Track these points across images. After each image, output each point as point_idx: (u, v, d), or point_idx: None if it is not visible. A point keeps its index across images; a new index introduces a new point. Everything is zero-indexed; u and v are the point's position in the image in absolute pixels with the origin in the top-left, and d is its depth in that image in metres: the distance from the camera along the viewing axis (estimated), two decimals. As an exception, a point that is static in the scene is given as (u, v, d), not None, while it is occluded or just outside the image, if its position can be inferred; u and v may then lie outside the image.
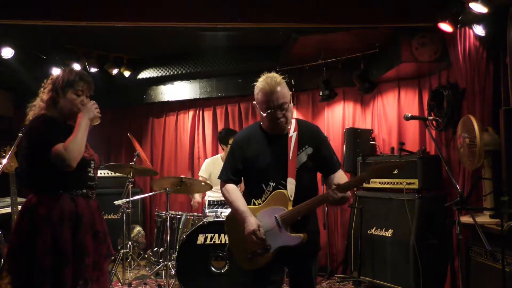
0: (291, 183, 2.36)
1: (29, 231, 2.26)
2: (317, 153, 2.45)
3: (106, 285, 2.50)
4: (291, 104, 2.43)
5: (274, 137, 2.44)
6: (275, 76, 2.39)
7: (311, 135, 2.48)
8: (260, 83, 2.39)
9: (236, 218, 2.44)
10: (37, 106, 2.48)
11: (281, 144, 2.42)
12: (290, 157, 2.39)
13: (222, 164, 4.87)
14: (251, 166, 2.44)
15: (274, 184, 2.39)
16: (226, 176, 2.51)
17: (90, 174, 2.47)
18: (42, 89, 2.54)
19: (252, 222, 2.33)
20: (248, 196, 2.48)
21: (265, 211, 2.39)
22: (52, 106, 2.44)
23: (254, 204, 2.44)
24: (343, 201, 2.31)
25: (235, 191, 2.48)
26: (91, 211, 2.41)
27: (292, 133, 2.44)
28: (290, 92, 2.44)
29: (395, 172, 4.19)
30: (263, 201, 2.41)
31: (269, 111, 2.35)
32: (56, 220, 2.27)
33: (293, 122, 2.48)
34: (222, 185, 2.54)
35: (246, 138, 2.51)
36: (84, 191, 2.41)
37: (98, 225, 2.44)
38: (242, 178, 2.57)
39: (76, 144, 2.30)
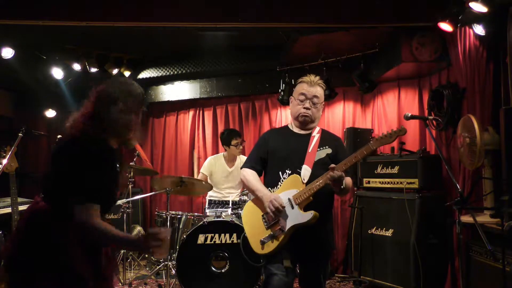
0: (306, 169, 2.51)
1: None
2: (335, 156, 2.61)
3: None
4: (322, 108, 2.68)
5: (298, 134, 2.67)
6: (319, 78, 2.70)
7: (332, 140, 2.70)
8: (304, 77, 2.69)
9: (254, 204, 2.61)
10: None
11: (303, 139, 2.63)
12: (310, 150, 2.57)
13: (224, 163, 4.97)
14: (272, 157, 2.64)
15: (290, 172, 2.54)
16: (250, 165, 2.68)
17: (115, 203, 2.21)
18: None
19: (269, 194, 2.50)
20: (266, 185, 2.64)
21: (280, 194, 2.52)
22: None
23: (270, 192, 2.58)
24: (341, 179, 2.41)
25: (253, 174, 2.65)
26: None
27: (315, 134, 2.66)
28: (324, 102, 2.71)
29: (395, 171, 4.23)
30: (278, 188, 2.56)
31: (302, 97, 2.61)
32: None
33: (318, 128, 2.71)
34: (244, 172, 2.68)
35: (273, 133, 2.82)
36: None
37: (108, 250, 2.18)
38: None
39: (103, 238, 1.87)
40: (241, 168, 2.76)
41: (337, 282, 4.77)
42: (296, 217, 2.43)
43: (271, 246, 2.47)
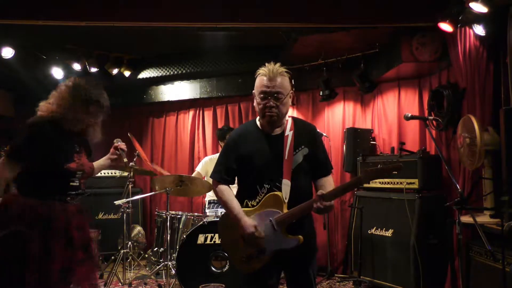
0: (286, 184, 2.29)
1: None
2: (313, 155, 2.39)
3: None
4: (289, 100, 2.36)
5: (270, 135, 2.38)
6: (279, 67, 2.36)
7: (307, 135, 2.42)
8: (262, 68, 2.37)
9: (229, 219, 2.38)
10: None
11: (277, 143, 2.35)
12: (286, 157, 2.31)
13: (219, 164, 4.94)
14: (246, 165, 2.36)
15: (269, 186, 2.31)
16: (220, 176, 2.42)
17: (73, 184, 2.47)
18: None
19: (248, 223, 2.27)
20: (241, 196, 2.40)
21: (260, 213, 2.32)
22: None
23: (247, 205, 2.37)
24: (328, 210, 2.23)
25: (228, 192, 2.40)
26: (67, 216, 2.41)
27: (288, 132, 2.37)
28: (291, 90, 2.38)
29: (395, 172, 4.22)
30: (257, 203, 2.34)
31: (262, 95, 2.31)
32: (27, 223, 2.28)
33: (290, 120, 2.43)
34: (214, 185, 2.45)
35: (242, 136, 2.43)
36: (64, 197, 2.42)
37: (73, 231, 2.41)
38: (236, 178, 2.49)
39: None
40: (210, 176, 2.51)
41: (337, 282, 4.77)
42: (280, 241, 2.27)
43: (253, 266, 2.32)
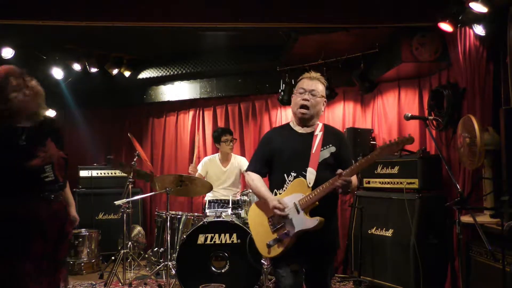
0: (311, 172, 2.51)
1: None
2: (339, 153, 2.61)
3: None
4: (323, 100, 2.66)
5: (301, 133, 2.65)
6: (319, 74, 2.72)
7: (335, 136, 2.67)
8: (307, 73, 2.72)
9: (258, 207, 2.64)
10: None
11: (307, 140, 2.61)
12: (314, 151, 2.56)
13: (219, 164, 4.99)
14: (276, 157, 2.62)
15: (295, 175, 2.54)
16: (254, 167, 2.69)
17: (47, 179, 2.40)
18: None
19: (272, 197, 2.53)
20: (271, 187, 2.64)
21: (286, 198, 2.52)
22: None
23: (276, 194, 2.59)
24: (349, 187, 2.43)
25: (258, 178, 2.65)
26: (50, 218, 2.38)
27: (318, 132, 2.64)
28: (324, 97, 2.69)
29: (395, 172, 4.23)
30: (284, 191, 2.56)
31: (301, 91, 2.62)
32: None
33: (320, 125, 2.69)
34: (246, 175, 2.72)
35: (275, 133, 2.76)
36: (46, 194, 2.38)
37: (49, 230, 2.38)
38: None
39: None
40: (245, 170, 2.78)
41: (337, 282, 4.77)
42: (302, 222, 2.45)
43: (277, 250, 2.50)
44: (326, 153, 2.57)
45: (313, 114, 2.63)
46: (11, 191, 2.31)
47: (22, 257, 2.28)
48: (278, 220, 2.52)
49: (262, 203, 2.63)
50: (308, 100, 2.59)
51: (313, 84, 2.63)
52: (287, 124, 2.76)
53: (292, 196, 2.50)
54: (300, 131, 2.66)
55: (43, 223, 2.36)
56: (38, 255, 2.33)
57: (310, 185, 2.48)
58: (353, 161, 2.61)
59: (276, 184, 2.61)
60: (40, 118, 2.46)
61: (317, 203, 2.45)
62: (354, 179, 2.52)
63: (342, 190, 2.45)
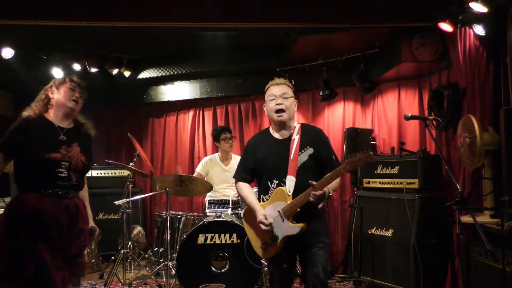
0: (290, 180, 2.65)
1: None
2: (318, 154, 2.71)
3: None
4: (294, 100, 2.79)
5: (280, 140, 2.77)
6: (283, 79, 2.86)
7: (313, 137, 2.76)
8: (271, 80, 2.86)
9: (251, 212, 2.78)
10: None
11: (285, 146, 2.72)
12: (292, 157, 2.68)
13: (219, 164, 5.00)
14: (260, 166, 2.79)
15: (277, 182, 2.70)
16: (240, 175, 2.88)
17: (60, 175, 2.51)
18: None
19: (260, 212, 2.69)
20: (259, 193, 2.84)
21: (270, 206, 2.71)
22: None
23: (263, 200, 2.78)
24: (321, 199, 2.55)
25: (247, 188, 2.85)
26: (59, 210, 2.48)
27: (295, 136, 2.74)
28: (294, 97, 2.82)
29: (395, 172, 4.23)
30: (269, 197, 2.74)
31: (272, 97, 2.75)
32: (19, 215, 2.41)
33: (298, 126, 2.79)
34: (236, 183, 2.91)
35: (257, 141, 2.88)
36: (56, 190, 2.49)
37: (63, 224, 2.48)
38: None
39: None
40: (233, 176, 2.95)
41: (337, 282, 4.77)
42: (287, 229, 2.63)
43: (270, 252, 2.72)
44: (304, 157, 2.68)
45: (289, 115, 2.74)
46: (28, 180, 2.49)
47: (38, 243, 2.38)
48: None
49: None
50: (282, 104, 2.71)
51: (281, 89, 2.76)
52: (267, 131, 2.88)
53: (276, 205, 2.67)
54: (278, 138, 2.79)
55: (50, 216, 2.43)
56: (45, 247, 2.40)
57: (290, 193, 2.63)
58: (334, 159, 2.76)
59: (262, 190, 2.80)
60: (77, 123, 2.81)
61: (298, 209, 2.60)
62: (334, 183, 2.60)
63: (317, 202, 2.56)
